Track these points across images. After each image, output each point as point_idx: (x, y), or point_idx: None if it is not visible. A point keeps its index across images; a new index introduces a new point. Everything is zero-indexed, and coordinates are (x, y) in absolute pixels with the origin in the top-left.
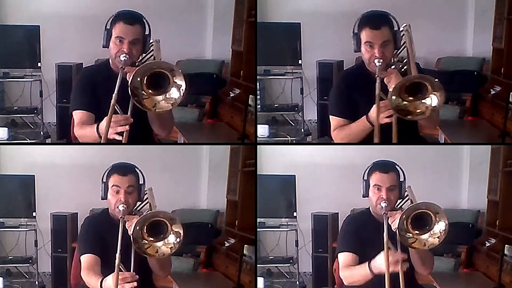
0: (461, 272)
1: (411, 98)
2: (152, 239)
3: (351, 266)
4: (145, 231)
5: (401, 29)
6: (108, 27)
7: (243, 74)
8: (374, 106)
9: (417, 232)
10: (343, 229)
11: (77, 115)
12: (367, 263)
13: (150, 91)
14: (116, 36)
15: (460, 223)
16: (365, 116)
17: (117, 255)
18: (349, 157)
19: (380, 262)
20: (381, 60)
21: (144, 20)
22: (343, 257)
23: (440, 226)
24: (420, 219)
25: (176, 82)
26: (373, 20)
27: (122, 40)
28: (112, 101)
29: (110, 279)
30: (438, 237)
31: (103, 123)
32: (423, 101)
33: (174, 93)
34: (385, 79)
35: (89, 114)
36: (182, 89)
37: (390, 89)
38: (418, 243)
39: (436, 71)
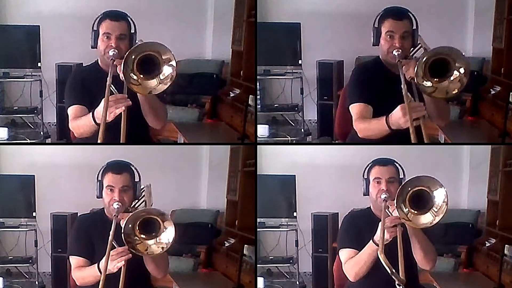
0: (461, 272)
1: (436, 79)
2: (144, 236)
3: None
4: (137, 228)
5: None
6: (95, 28)
7: (243, 74)
8: (398, 108)
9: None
10: (343, 226)
11: (72, 110)
12: None
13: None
14: (103, 33)
15: (460, 223)
16: (384, 117)
17: (111, 232)
18: (349, 157)
19: None
20: (400, 51)
21: (129, 18)
22: (345, 254)
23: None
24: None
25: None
26: (396, 12)
27: (109, 36)
28: (108, 81)
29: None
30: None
31: (100, 108)
32: (451, 78)
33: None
34: (403, 67)
35: (83, 108)
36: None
37: (408, 76)
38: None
39: None
